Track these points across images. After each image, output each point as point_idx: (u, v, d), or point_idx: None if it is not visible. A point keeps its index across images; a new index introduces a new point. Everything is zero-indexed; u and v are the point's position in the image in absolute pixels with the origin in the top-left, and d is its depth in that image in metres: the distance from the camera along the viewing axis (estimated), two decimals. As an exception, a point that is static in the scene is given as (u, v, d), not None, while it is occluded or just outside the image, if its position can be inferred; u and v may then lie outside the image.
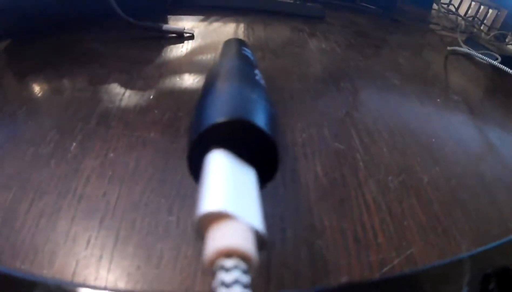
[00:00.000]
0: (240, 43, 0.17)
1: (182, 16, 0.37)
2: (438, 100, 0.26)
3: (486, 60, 0.33)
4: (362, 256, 0.12)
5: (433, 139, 0.20)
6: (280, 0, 0.41)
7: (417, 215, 0.14)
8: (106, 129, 0.18)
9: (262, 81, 0.11)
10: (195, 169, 0.08)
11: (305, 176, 0.15)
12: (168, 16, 0.35)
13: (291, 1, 0.41)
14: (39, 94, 0.21)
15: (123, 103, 0.20)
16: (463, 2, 0.57)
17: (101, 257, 0.12)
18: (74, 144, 0.17)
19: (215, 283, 0.06)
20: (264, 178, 0.08)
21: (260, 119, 0.08)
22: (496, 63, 0.31)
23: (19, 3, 0.27)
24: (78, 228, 0.13)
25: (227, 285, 0.06)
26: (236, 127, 0.08)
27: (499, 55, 0.37)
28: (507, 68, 0.29)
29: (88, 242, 0.12)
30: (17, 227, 0.13)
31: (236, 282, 0.06)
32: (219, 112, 0.08)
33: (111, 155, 0.16)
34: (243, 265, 0.06)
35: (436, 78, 0.31)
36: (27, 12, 0.28)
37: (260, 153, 0.08)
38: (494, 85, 0.32)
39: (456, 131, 0.22)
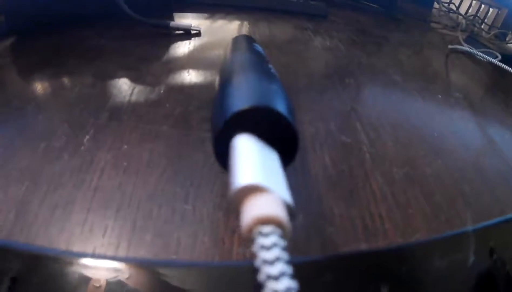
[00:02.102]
0: (249, 39, 0.18)
1: (187, 14, 0.37)
2: (440, 96, 0.26)
3: (486, 59, 0.33)
4: (371, 241, 0.12)
5: (435, 134, 0.21)
6: (284, -2, 0.41)
7: (421, 204, 0.15)
8: (118, 123, 0.18)
9: (277, 75, 0.12)
10: (220, 154, 0.09)
11: (314, 167, 0.16)
12: (174, 14, 0.36)
13: (295, 0, 0.42)
14: (48, 90, 0.22)
15: (134, 98, 0.21)
16: (463, 1, 0.58)
17: (118, 245, 0.12)
18: (87, 137, 0.17)
19: (255, 247, 0.06)
20: (283, 162, 0.09)
21: (282, 107, 0.09)
22: (496, 61, 0.31)
23: (24, 1, 0.27)
24: (94, 218, 0.13)
25: (267, 248, 0.06)
26: (260, 114, 0.08)
27: (500, 53, 0.37)
28: (507, 67, 0.29)
29: (105, 231, 0.13)
30: (31, 219, 0.13)
31: (275, 245, 0.06)
32: (243, 100, 0.08)
33: (125, 147, 0.17)
34: (279, 230, 0.07)
35: (437, 75, 0.32)
36: (32, 10, 0.28)
37: (280, 138, 0.09)
38: (494, 83, 0.33)
39: (457, 127, 0.23)
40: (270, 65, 0.12)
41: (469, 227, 0.11)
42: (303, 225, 0.13)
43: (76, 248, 0.12)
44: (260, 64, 0.11)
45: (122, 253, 0.12)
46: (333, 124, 0.20)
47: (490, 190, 0.17)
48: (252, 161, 0.08)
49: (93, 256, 0.12)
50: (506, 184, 0.18)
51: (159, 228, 0.13)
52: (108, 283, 0.11)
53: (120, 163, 0.16)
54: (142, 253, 0.12)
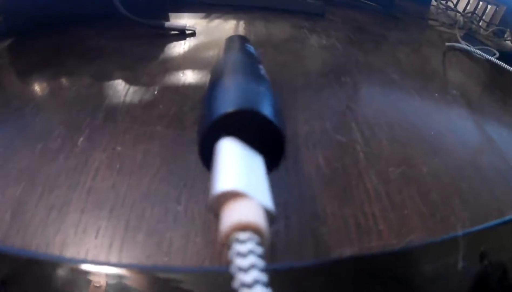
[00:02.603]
0: (242, 39, 0.18)
1: (183, 14, 0.37)
2: (437, 94, 0.26)
3: (484, 56, 0.33)
4: (364, 242, 0.12)
5: (432, 132, 0.21)
6: (280, -3, 0.41)
7: (416, 203, 0.15)
8: (113, 123, 0.18)
9: (267, 76, 0.11)
10: (206, 157, 0.09)
11: (307, 166, 0.16)
12: (169, 14, 0.36)
13: (291, -2, 0.42)
14: (45, 91, 0.22)
15: (129, 98, 0.21)
16: (461, -2, 0.58)
17: (111, 245, 0.12)
18: (82, 138, 0.17)
19: (231, 254, 0.06)
20: (270, 165, 0.09)
21: (268, 110, 0.08)
22: (493, 59, 0.31)
23: (23, 2, 0.27)
24: (88, 219, 0.13)
25: (242, 255, 0.06)
26: (245, 117, 0.08)
27: (498, 50, 0.37)
28: (505, 64, 0.29)
29: (98, 231, 0.13)
30: (28, 219, 0.13)
31: (250, 252, 0.06)
32: (229, 103, 0.08)
33: (119, 148, 0.17)
34: (256, 237, 0.07)
35: (434, 73, 0.32)
36: (31, 10, 0.28)
37: (267, 141, 0.09)
38: (492, 81, 0.33)
39: (454, 125, 0.23)
40: (261, 66, 0.12)
41: (459, 232, 0.11)
42: (296, 225, 0.13)
43: (70, 250, 0.12)
44: (249, 65, 0.11)
45: (115, 252, 0.12)
46: (328, 123, 0.20)
47: (488, 188, 0.17)
48: (233, 166, 0.08)
49: (89, 261, 0.12)
50: (504, 182, 0.18)
51: (152, 228, 0.13)
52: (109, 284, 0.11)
53: (114, 163, 0.16)
54: (135, 253, 0.12)
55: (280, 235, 0.13)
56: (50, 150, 0.16)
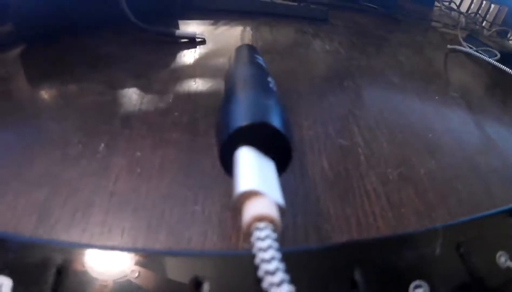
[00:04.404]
0: (251, 49, 0.19)
1: (190, 21, 0.38)
2: (437, 97, 0.27)
3: (485, 58, 0.34)
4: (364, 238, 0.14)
5: (430, 135, 0.22)
6: (285, 3, 0.43)
7: (414, 203, 0.16)
8: (130, 130, 0.19)
9: (275, 88, 0.13)
10: (225, 162, 0.10)
11: (312, 170, 0.17)
12: (178, 21, 0.37)
13: (295, 4, 0.43)
14: (59, 98, 0.22)
15: (144, 106, 0.22)
16: (464, -2, 0.58)
17: (134, 244, 0.13)
18: (102, 145, 0.18)
19: (253, 238, 0.08)
20: (279, 169, 0.11)
21: (276, 122, 0.10)
22: (493, 61, 0.32)
23: (32, 10, 0.27)
24: (112, 220, 0.14)
25: (261, 239, 0.08)
26: (258, 129, 0.10)
27: (500, 51, 0.38)
28: (504, 67, 0.30)
29: (123, 231, 0.14)
30: (53, 221, 0.14)
31: (267, 236, 0.08)
32: (243, 117, 0.10)
33: (138, 154, 0.18)
34: (271, 225, 0.09)
35: (435, 75, 0.33)
36: (39, 19, 0.28)
37: (276, 148, 0.10)
38: (493, 82, 0.33)
39: (453, 126, 0.23)
40: (270, 79, 0.14)
41: (438, 225, 0.13)
42: (302, 223, 0.14)
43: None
44: (260, 79, 0.13)
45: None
46: (331, 128, 0.21)
47: (484, 188, 0.18)
48: (251, 171, 0.10)
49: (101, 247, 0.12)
50: (500, 181, 0.19)
51: (172, 228, 0.14)
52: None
53: (134, 168, 0.17)
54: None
55: (288, 231, 0.14)
56: (70, 155, 0.17)
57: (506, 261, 0.12)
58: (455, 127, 0.24)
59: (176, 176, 0.16)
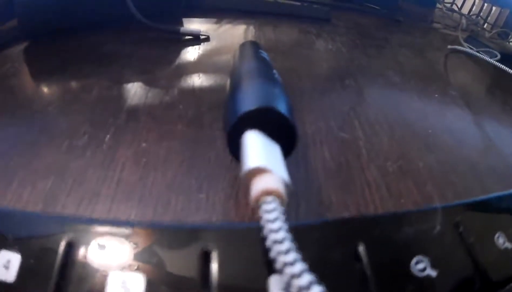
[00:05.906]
0: (255, 45, 0.20)
1: (194, 19, 0.39)
2: (436, 95, 0.28)
3: (485, 58, 0.35)
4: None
5: (430, 131, 0.22)
6: (288, 2, 0.43)
7: (412, 194, 0.16)
8: (136, 123, 0.20)
9: (280, 79, 0.13)
10: (232, 146, 0.11)
11: (314, 160, 0.18)
12: (183, 19, 0.38)
13: (298, 4, 0.43)
14: (66, 93, 0.23)
15: (149, 100, 0.22)
16: (466, 0, 0.59)
17: None
18: (108, 136, 0.18)
19: (261, 211, 0.09)
20: (284, 154, 0.11)
21: (282, 107, 0.11)
22: (493, 61, 0.32)
23: (38, 7, 0.27)
24: (118, 207, 0.14)
25: (269, 211, 0.09)
26: (265, 113, 0.10)
27: (500, 52, 0.38)
28: (504, 67, 0.30)
29: (129, 218, 0.14)
30: (59, 209, 0.14)
31: (275, 209, 0.09)
32: (251, 102, 0.10)
33: (143, 145, 0.18)
34: (278, 199, 0.09)
35: (435, 75, 0.33)
36: (45, 15, 0.28)
37: (282, 133, 0.11)
38: (493, 82, 0.34)
39: (451, 124, 0.24)
40: (274, 71, 0.14)
41: (438, 205, 0.13)
42: (304, 211, 0.15)
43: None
44: (265, 70, 0.13)
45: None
46: (333, 123, 0.21)
47: (481, 183, 0.19)
48: (259, 150, 0.10)
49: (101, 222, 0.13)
50: (498, 178, 0.19)
51: (177, 215, 0.14)
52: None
53: (140, 159, 0.17)
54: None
55: (291, 219, 0.14)
56: (76, 146, 0.17)
57: (504, 242, 0.12)
58: (454, 125, 0.24)
59: (181, 166, 0.17)
